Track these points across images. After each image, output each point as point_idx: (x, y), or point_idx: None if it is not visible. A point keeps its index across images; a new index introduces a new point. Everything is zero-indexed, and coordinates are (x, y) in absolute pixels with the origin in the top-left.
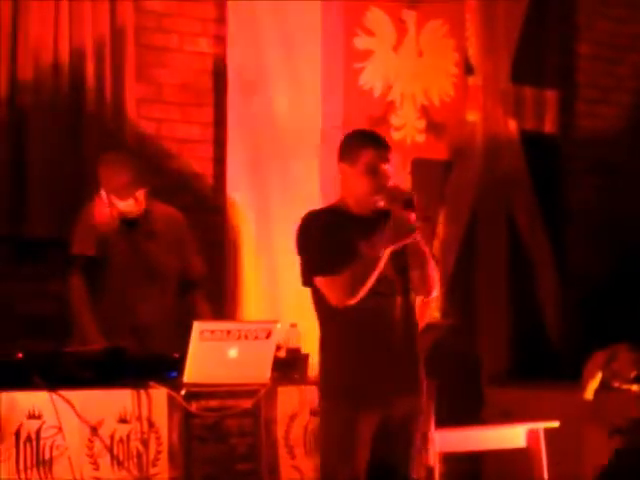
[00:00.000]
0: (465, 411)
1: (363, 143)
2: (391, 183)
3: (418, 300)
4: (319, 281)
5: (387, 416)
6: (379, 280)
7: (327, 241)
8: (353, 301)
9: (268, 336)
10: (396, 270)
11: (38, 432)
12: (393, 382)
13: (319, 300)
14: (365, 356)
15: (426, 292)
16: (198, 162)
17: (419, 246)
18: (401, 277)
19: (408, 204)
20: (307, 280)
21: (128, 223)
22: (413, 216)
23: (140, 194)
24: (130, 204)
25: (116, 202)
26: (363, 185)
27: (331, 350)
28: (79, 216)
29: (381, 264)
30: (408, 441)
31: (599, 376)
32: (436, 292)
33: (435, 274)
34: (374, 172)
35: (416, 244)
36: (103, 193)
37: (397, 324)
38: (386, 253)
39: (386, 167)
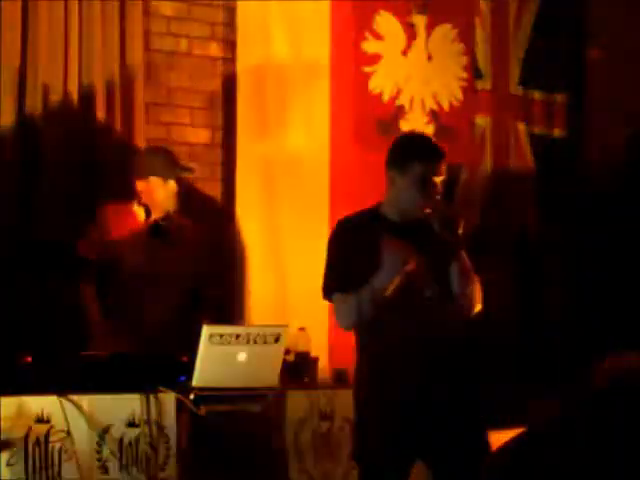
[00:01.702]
0: None
1: (416, 154)
2: (439, 197)
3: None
4: (334, 299)
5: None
6: (421, 291)
7: (347, 260)
8: (349, 328)
9: (277, 340)
10: (438, 282)
11: (47, 436)
12: (434, 391)
13: None
14: (401, 365)
15: (466, 310)
16: (207, 166)
17: (462, 266)
18: (443, 289)
19: (450, 225)
20: (326, 294)
21: (151, 229)
22: (452, 238)
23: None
24: (170, 191)
25: (157, 190)
26: (411, 196)
27: (368, 358)
28: (94, 220)
29: (386, 295)
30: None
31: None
32: (477, 309)
33: (476, 294)
34: (424, 184)
35: (459, 264)
36: (135, 203)
37: (437, 336)
38: (390, 289)
39: (437, 179)
